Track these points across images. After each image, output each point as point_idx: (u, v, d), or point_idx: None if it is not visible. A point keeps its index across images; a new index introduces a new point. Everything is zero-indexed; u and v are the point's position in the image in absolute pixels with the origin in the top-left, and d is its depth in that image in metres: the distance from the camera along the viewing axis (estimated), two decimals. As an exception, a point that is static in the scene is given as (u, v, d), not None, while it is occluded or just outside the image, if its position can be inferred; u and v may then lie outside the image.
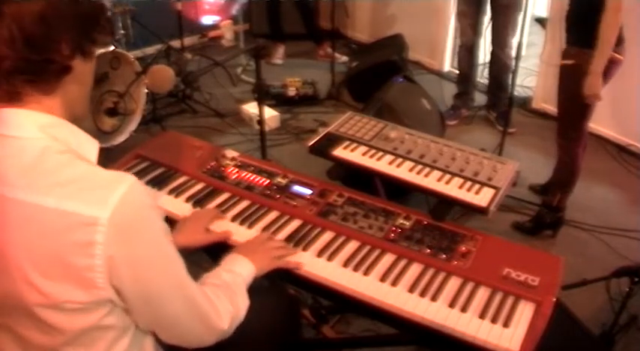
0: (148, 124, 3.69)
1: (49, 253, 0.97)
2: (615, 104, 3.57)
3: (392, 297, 1.43)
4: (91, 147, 1.09)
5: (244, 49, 4.62)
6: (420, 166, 1.87)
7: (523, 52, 3.06)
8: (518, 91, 4.02)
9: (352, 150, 1.95)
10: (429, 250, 1.55)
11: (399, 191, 2.13)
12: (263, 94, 2.78)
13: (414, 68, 4.51)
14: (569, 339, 2.00)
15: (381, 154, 1.93)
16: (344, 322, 2.28)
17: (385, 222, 1.64)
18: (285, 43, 4.83)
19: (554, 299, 1.41)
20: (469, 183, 1.80)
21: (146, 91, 3.42)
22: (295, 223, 1.65)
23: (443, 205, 1.75)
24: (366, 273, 1.49)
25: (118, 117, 3.31)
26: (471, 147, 1.99)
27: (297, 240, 1.58)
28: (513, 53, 3.40)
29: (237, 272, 1.38)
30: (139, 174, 1.81)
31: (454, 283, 1.48)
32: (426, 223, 1.65)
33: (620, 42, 2.50)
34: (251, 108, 3.76)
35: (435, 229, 1.63)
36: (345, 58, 4.65)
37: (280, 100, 4.09)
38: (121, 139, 3.33)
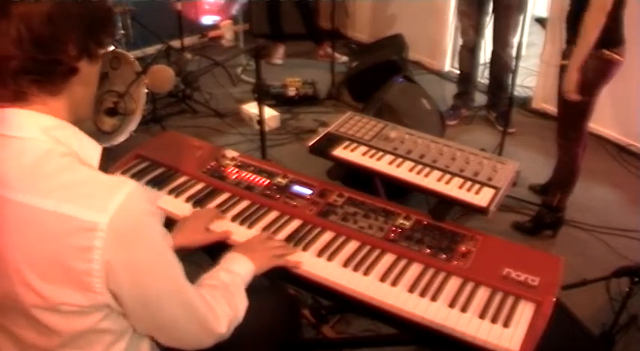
0: (148, 124, 3.69)
1: (48, 256, 0.97)
2: (615, 104, 3.57)
3: (392, 297, 1.43)
4: (93, 151, 1.09)
5: (244, 49, 4.62)
6: (420, 166, 1.87)
7: (523, 52, 3.06)
8: (519, 91, 4.01)
9: (352, 150, 1.95)
10: (429, 250, 1.55)
11: (399, 191, 2.13)
12: (263, 94, 2.78)
13: (414, 68, 4.50)
14: (569, 339, 2.00)
15: (381, 154, 1.93)
16: (344, 322, 2.28)
17: (385, 222, 1.64)
18: (285, 43, 4.82)
19: (554, 299, 1.41)
20: (469, 183, 1.80)
21: (146, 91, 3.41)
22: (295, 223, 1.65)
23: (443, 205, 1.75)
24: (366, 273, 1.49)
25: (118, 117, 3.31)
26: (470, 147, 1.99)
27: (297, 240, 1.58)
28: (514, 53, 3.40)
29: (236, 272, 1.38)
30: (139, 174, 1.82)
31: (454, 283, 1.48)
32: (426, 223, 1.65)
33: (620, 43, 2.50)
34: (251, 108, 3.76)
35: (435, 229, 1.63)
36: (345, 58, 4.64)
37: (280, 100, 4.09)
38: (121, 139, 3.32)
